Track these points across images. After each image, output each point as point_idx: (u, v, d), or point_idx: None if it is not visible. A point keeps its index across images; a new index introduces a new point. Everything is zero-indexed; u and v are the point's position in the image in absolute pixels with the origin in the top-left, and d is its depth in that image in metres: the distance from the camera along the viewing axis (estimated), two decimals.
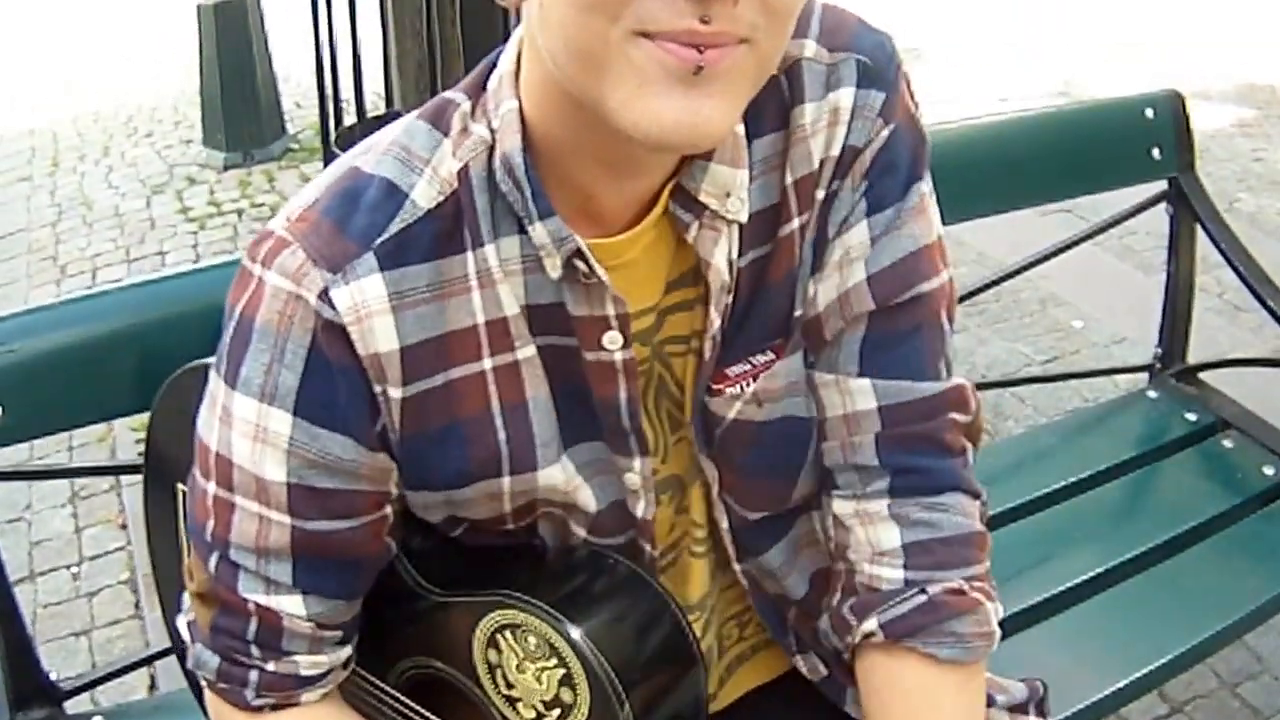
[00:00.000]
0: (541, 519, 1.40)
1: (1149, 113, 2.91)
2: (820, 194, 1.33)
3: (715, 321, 1.32)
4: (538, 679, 1.35)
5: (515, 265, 1.25)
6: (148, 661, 2.37)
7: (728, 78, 1.05)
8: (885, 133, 1.33)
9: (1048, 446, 2.92)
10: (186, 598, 1.42)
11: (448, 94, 1.30)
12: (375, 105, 4.99)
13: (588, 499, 1.37)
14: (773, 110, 1.30)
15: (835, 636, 1.46)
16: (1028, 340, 5.07)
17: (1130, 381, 3.68)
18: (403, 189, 1.23)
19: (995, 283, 3.14)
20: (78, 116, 8.50)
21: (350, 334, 1.22)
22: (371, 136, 1.31)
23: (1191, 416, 2.96)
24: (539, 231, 1.22)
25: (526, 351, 1.28)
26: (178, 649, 1.52)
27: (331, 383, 1.24)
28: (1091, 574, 2.45)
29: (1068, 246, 3.14)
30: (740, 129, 1.27)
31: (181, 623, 1.45)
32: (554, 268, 1.23)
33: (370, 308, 1.21)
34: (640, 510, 1.40)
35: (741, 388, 1.37)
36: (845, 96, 1.31)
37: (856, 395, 1.39)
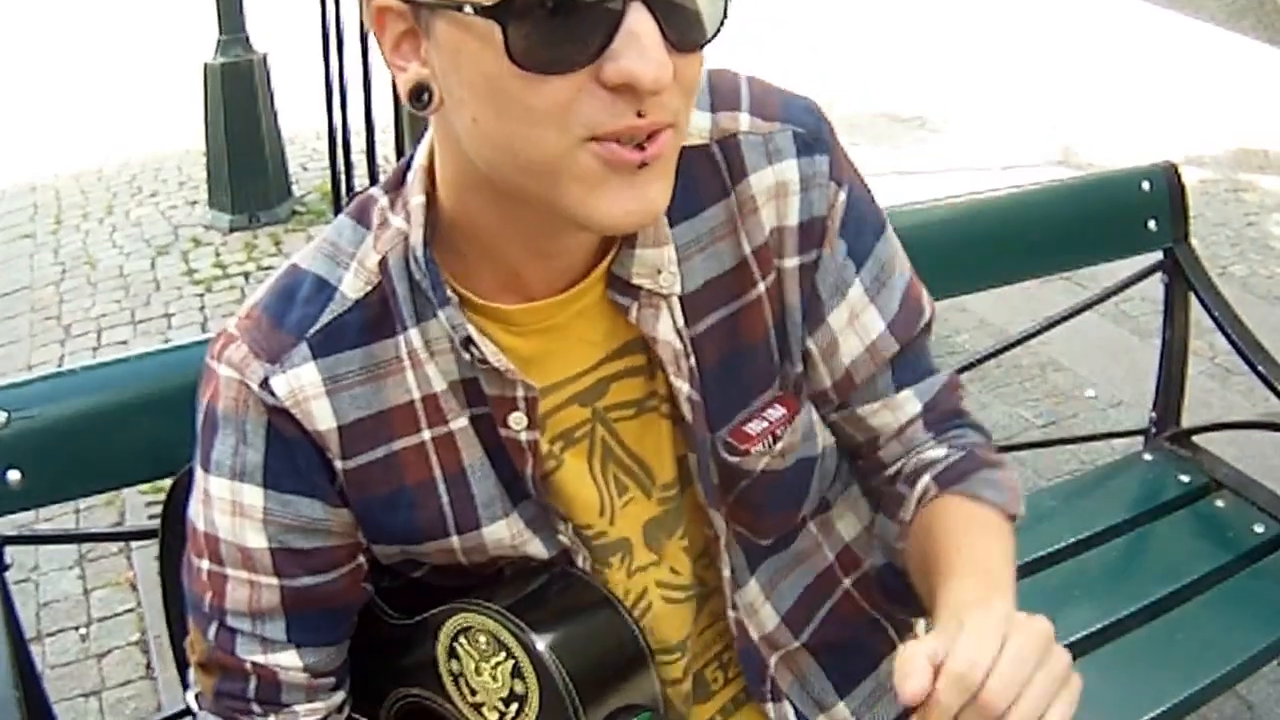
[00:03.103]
0: (502, 561, 1.48)
1: (1145, 185, 2.99)
2: (791, 263, 1.46)
3: (683, 387, 1.43)
4: (493, 677, 1.43)
5: (444, 344, 1.38)
6: None
7: (663, 162, 1.18)
8: (843, 195, 1.47)
9: (1048, 509, 2.97)
10: (191, 672, 1.53)
11: (371, 191, 1.43)
12: (382, 171, 5.02)
13: (539, 549, 1.47)
14: (709, 184, 1.42)
15: (890, 526, 1.58)
16: (1027, 405, 5.11)
17: (1127, 445, 3.72)
18: (331, 282, 1.39)
19: (999, 352, 3.21)
20: (80, 173, 8.45)
21: (294, 415, 1.37)
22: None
23: (1185, 478, 3.03)
24: (441, 319, 1.35)
25: (459, 423, 1.41)
26: None
27: (291, 453, 1.39)
28: (1089, 631, 2.51)
29: (1068, 316, 3.21)
30: None
31: (190, 697, 1.55)
32: (461, 351, 1.36)
33: (306, 393, 1.37)
34: (580, 562, 1.49)
35: (766, 444, 1.49)
36: (789, 169, 1.43)
37: (905, 405, 1.57)
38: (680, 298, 1.41)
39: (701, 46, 1.18)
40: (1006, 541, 1.46)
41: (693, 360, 1.43)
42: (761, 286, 1.45)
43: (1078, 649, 2.45)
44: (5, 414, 1.84)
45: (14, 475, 1.85)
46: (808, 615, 1.63)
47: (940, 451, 1.57)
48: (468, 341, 1.33)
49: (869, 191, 1.52)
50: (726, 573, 1.54)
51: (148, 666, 3.75)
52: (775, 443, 1.49)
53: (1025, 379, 5.29)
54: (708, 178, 1.42)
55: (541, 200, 1.19)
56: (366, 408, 1.38)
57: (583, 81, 1.10)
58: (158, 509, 4.08)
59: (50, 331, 6.05)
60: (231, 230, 7.07)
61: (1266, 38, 10.98)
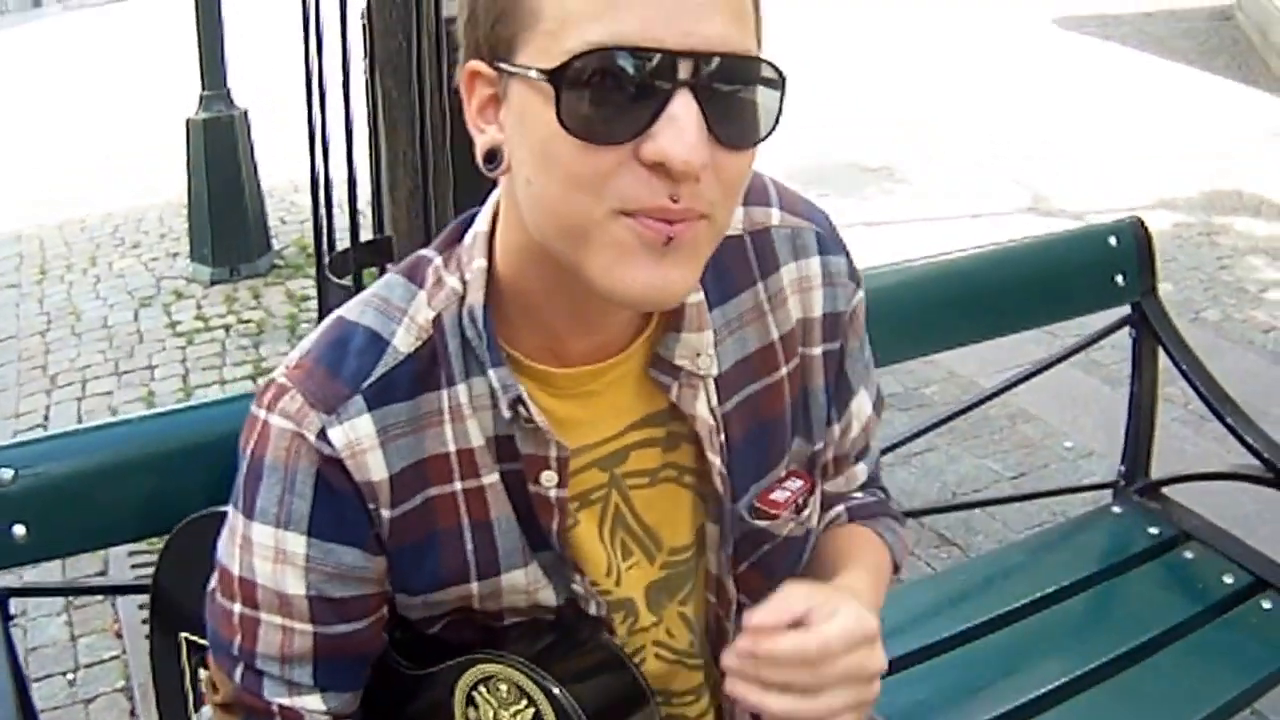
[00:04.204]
0: (508, 612, 1.53)
1: (1112, 241, 3.05)
2: (817, 350, 1.59)
3: (716, 461, 1.51)
4: None
5: (485, 401, 1.43)
6: None
7: (690, 248, 1.24)
8: (860, 294, 1.62)
9: (1016, 564, 3.00)
10: (208, 710, 1.57)
11: (422, 252, 1.50)
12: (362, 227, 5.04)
13: (549, 596, 1.51)
14: (741, 271, 1.53)
15: None
16: (997, 457, 5.10)
17: (1097, 496, 3.77)
18: (384, 336, 1.43)
19: (970, 408, 3.28)
20: (64, 224, 8.55)
21: (347, 465, 1.40)
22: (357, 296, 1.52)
23: (1154, 530, 3.06)
24: (491, 377, 1.41)
25: (490, 478, 1.46)
26: None
27: (337, 503, 1.41)
28: (1059, 683, 2.53)
29: (1039, 370, 3.27)
30: (700, 297, 1.46)
31: None
32: (504, 409, 1.41)
33: (362, 444, 1.40)
34: (593, 610, 1.53)
35: (792, 511, 1.60)
36: (813, 265, 1.57)
37: (859, 475, 1.76)
38: (714, 378, 1.50)
39: (749, 146, 1.25)
40: (887, 575, 1.70)
41: (723, 436, 1.52)
42: (784, 370, 1.56)
43: (1048, 701, 2.49)
44: (12, 471, 1.90)
45: (19, 530, 1.90)
46: None
47: (859, 495, 1.77)
48: (517, 401, 1.39)
49: None
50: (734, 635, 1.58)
51: (132, 713, 3.79)
52: (799, 511, 1.60)
53: (994, 430, 5.30)
54: (740, 266, 1.53)
55: (572, 266, 1.25)
56: (409, 457, 1.42)
57: (624, 156, 1.18)
58: (141, 559, 4.13)
59: (36, 381, 6.11)
60: (212, 283, 7.15)
61: (1240, 77, 11.12)
